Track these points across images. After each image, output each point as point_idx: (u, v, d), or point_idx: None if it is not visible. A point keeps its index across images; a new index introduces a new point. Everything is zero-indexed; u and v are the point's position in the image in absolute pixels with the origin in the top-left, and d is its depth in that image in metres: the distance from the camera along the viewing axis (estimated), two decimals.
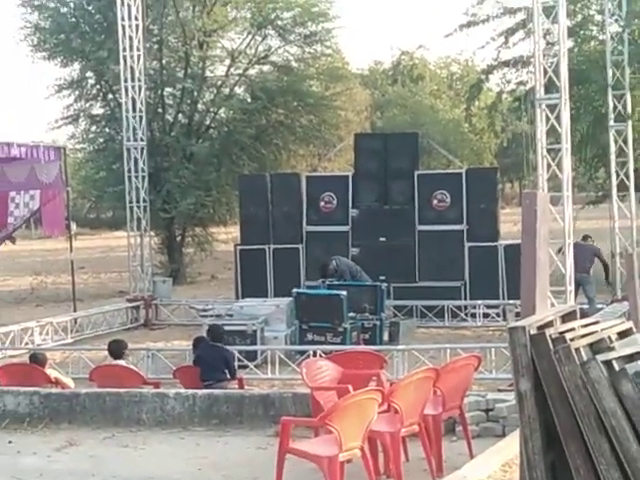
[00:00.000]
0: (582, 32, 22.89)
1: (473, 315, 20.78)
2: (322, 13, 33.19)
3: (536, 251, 6.71)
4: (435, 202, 22.20)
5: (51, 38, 31.80)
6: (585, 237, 19.37)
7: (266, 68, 34.09)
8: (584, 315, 6.85)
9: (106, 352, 14.16)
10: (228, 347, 14.34)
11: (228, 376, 13.32)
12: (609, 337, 6.24)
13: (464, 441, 9.75)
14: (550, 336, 5.94)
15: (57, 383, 12.88)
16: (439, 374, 9.71)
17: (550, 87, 15.96)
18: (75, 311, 21.84)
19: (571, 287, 15.65)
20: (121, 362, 13.49)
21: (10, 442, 10.99)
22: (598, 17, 22.58)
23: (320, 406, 9.50)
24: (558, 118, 15.83)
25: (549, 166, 15.89)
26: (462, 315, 20.90)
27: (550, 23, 16.27)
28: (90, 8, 30.69)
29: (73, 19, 31.72)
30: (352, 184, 23.03)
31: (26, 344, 18.45)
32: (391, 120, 44.57)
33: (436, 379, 9.55)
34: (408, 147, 23.93)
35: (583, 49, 22.37)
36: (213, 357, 13.39)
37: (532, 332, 5.96)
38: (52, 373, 13.26)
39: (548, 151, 15.90)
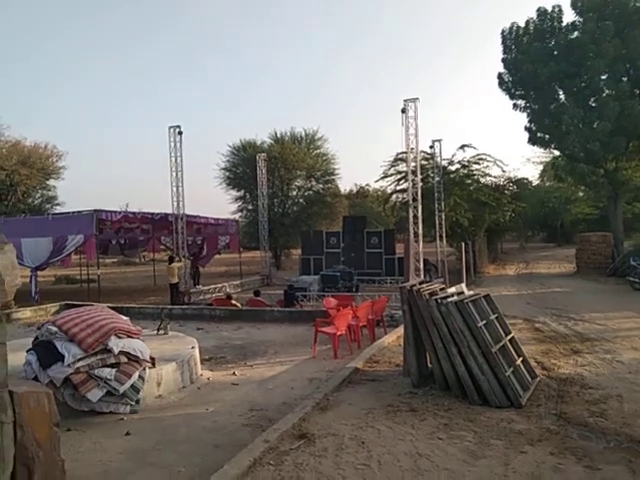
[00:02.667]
0: (426, 179, 22.84)
1: (386, 282, 20.52)
2: (331, 172, 33.34)
3: (409, 258, 6.71)
4: (372, 241, 22.19)
5: (233, 181, 32.04)
6: (425, 261, 19.35)
7: (310, 192, 33.96)
8: (427, 283, 6.83)
9: (252, 294, 14.17)
10: (296, 293, 14.31)
11: (296, 303, 13.31)
12: (436, 290, 6.24)
13: (382, 329, 9.71)
14: (414, 290, 5.95)
15: (235, 305, 12.94)
16: (374, 303, 9.70)
17: (414, 199, 15.96)
18: (241, 279, 21.81)
19: (422, 273, 15.57)
20: (259, 298, 13.53)
21: (217, 327, 11.03)
22: (431, 174, 22.58)
23: (330, 315, 9.48)
24: (417, 211, 15.80)
25: (414, 228, 15.86)
26: (382, 282, 20.52)
27: (414, 177, 16.32)
28: (247, 170, 30.56)
29: (241, 174, 31.74)
30: (342, 235, 22.92)
31: (223, 291, 18.42)
32: (356, 211, 44.09)
33: (372, 305, 9.54)
34: (362, 221, 23.80)
35: (427, 185, 22.31)
36: (289, 296, 13.40)
37: (408, 288, 5.97)
38: (233, 302, 13.31)
39: (413, 223, 15.86)
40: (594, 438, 4.34)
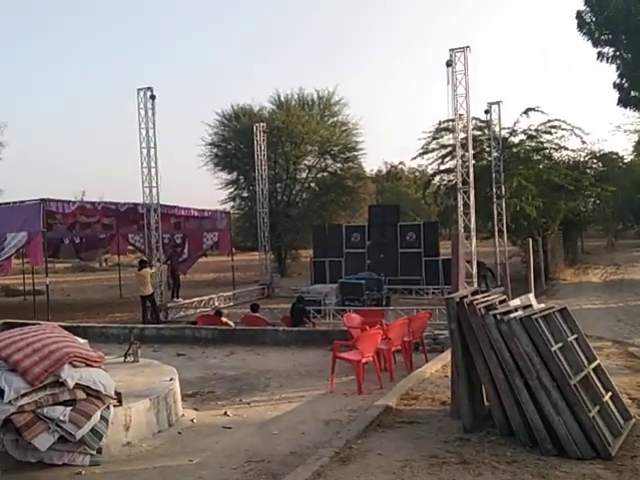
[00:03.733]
0: (480, 156, 22.76)
1: (427, 293, 20.58)
2: (353, 147, 33.38)
3: (458, 260, 6.68)
4: (407, 238, 22.28)
5: (223, 160, 32.42)
6: (479, 263, 19.32)
7: (325, 174, 34.18)
8: (483, 293, 6.79)
9: (249, 309, 14.26)
10: (306, 307, 14.38)
11: (307, 321, 13.37)
12: (495, 303, 6.21)
13: (422, 354, 9.72)
14: (466, 302, 5.92)
15: (226, 324, 13.05)
16: (410, 320, 9.74)
17: (464, 182, 15.95)
18: (234, 289, 22.00)
19: (476, 280, 15.59)
20: (256, 314, 13.61)
21: (203, 352, 11.19)
22: (487, 149, 22.48)
23: (352, 336, 9.50)
24: (468, 197, 15.81)
25: (464, 221, 15.87)
26: (421, 292, 20.68)
27: (464, 152, 16.27)
28: (242, 146, 30.90)
29: (233, 151, 32.15)
30: (367, 229, 23.06)
31: (211, 305, 18.59)
32: (386, 199, 44.51)
33: (409, 323, 9.57)
34: (395, 212, 23.95)
35: (480, 164, 22.20)
36: (298, 312, 13.45)
37: (457, 300, 5.95)
38: (224, 319, 13.42)
39: (463, 213, 15.88)
40: None
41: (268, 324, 13.00)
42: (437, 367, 8.52)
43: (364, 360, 8.15)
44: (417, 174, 50.89)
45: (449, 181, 24.80)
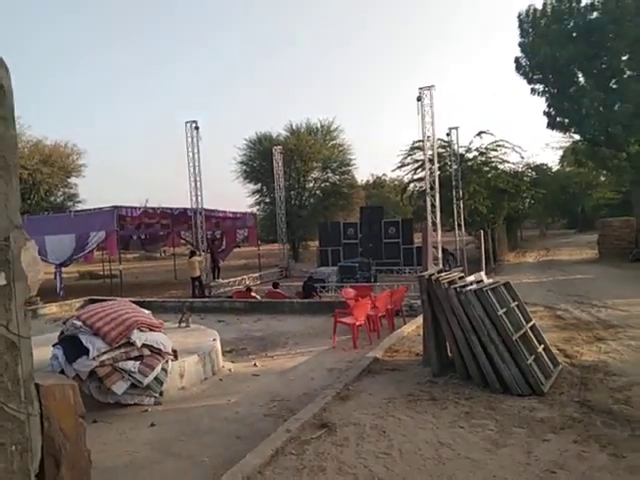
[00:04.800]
0: (443, 168, 22.62)
1: (404, 272, 20.49)
2: (347, 163, 33.25)
3: (428, 247, 6.64)
4: (389, 231, 22.10)
5: (250, 174, 32.13)
6: (444, 250, 19.11)
7: (327, 184, 33.90)
8: (446, 272, 6.76)
9: (271, 286, 14.24)
10: (315, 284, 14.34)
11: (315, 294, 13.34)
12: (455, 279, 6.17)
13: (402, 319, 9.67)
14: (433, 279, 5.88)
15: (254, 297, 13.03)
16: (392, 293, 9.67)
17: (432, 188, 15.85)
18: (260, 272, 21.98)
19: (440, 262, 15.49)
20: (277, 290, 13.59)
21: (238, 319, 11.14)
22: (449, 162, 22.36)
23: (349, 305, 9.48)
24: (435, 199, 15.70)
25: (432, 217, 15.77)
26: (400, 272, 20.56)
27: (431, 165, 16.18)
28: (264, 163, 30.58)
29: (258, 168, 31.84)
30: (359, 225, 22.91)
31: (243, 283, 18.58)
32: (373, 202, 43.98)
33: (391, 295, 9.51)
34: (380, 211, 23.72)
35: (445, 173, 22.06)
36: (308, 288, 13.42)
37: (426, 277, 5.91)
38: (253, 294, 13.39)
39: (432, 212, 15.78)
40: (618, 426, 4.24)
41: (286, 297, 13.03)
42: (412, 328, 8.51)
43: (358, 323, 8.14)
44: (397, 182, 50.37)
45: (420, 187, 24.66)
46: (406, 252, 21.53)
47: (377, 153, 78.92)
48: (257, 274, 21.08)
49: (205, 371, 6.35)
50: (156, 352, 5.61)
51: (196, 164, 17.00)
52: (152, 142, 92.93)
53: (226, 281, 18.88)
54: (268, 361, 7.30)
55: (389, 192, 50.09)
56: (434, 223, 15.73)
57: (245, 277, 19.60)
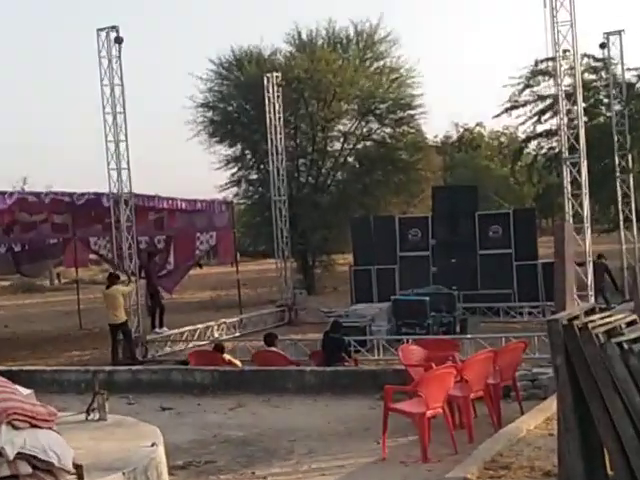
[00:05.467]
0: (594, 110, 22.55)
1: (521, 313, 20.50)
2: (407, 104, 33.16)
3: (565, 264, 6.58)
4: (490, 233, 22.18)
5: (221, 128, 32.47)
6: (600, 255, 18.94)
7: (368, 144, 34.16)
8: (602, 312, 6.68)
9: (262, 342, 14.30)
10: (346, 337, 14.36)
11: (346, 357, 13.34)
12: (620, 326, 6.10)
13: (516, 403, 9.68)
14: (577, 325, 5.83)
15: (230, 363, 13.12)
16: (497, 354, 9.69)
17: (572, 150, 15.82)
18: (241, 314, 22.12)
19: (592, 292, 15.42)
20: (273, 348, 13.64)
21: (199, 404, 11.33)
22: (606, 100, 22.25)
23: (412, 378, 9.49)
24: (579, 171, 15.67)
25: (573, 206, 15.72)
26: (512, 313, 20.60)
27: (571, 105, 16.13)
28: (247, 106, 31.13)
29: (236, 114, 32.40)
30: (431, 223, 23.06)
31: (208, 337, 18.75)
32: (458, 177, 44.20)
33: (495, 358, 9.51)
34: (470, 195, 23.84)
35: (595, 123, 21.96)
36: (333, 345, 13.42)
37: (564, 323, 5.86)
38: (226, 357, 13.50)
39: (572, 195, 15.74)
40: None
41: (290, 363, 13.04)
42: (537, 421, 8.47)
43: (430, 413, 8.13)
44: (502, 140, 50.48)
45: (550, 149, 24.57)
46: (524, 274, 21.46)
47: (464, 84, 78.89)
48: (236, 318, 21.18)
49: None
50: (43, 468, 5.65)
51: (117, 109, 17.22)
52: (37, 75, 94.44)
53: (176, 331, 18.98)
54: None
55: (489, 158, 49.93)
56: (578, 217, 15.62)
57: (212, 324, 19.74)
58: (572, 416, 5.83)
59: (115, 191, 17.48)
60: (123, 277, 17.22)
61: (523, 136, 26.88)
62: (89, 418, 8.10)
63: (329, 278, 33.36)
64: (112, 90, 17.16)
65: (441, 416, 8.38)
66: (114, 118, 17.23)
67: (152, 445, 7.07)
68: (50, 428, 6.01)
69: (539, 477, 6.67)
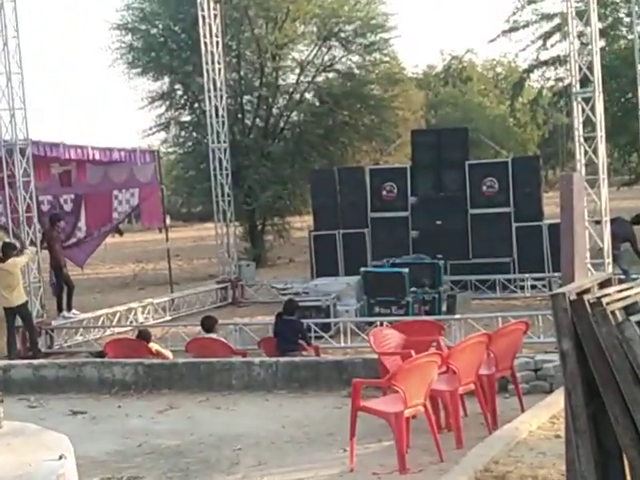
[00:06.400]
0: (612, 32, 22.66)
1: (522, 287, 20.71)
2: (380, 25, 33.09)
3: (573, 225, 6.63)
4: (484, 188, 22.21)
5: (143, 56, 32.16)
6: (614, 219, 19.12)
7: (331, 75, 34.08)
8: (620, 283, 6.77)
9: (199, 327, 14.31)
10: (304, 320, 14.42)
11: (305, 344, 13.40)
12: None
13: (516, 398, 9.81)
14: (588, 300, 5.88)
15: (158, 355, 13.11)
16: (492, 338, 9.74)
17: (585, 82, 15.88)
18: (172, 293, 22.12)
19: (608, 259, 15.53)
20: (213, 335, 13.65)
21: (119, 406, 11.32)
22: (627, 19, 22.34)
23: (386, 369, 9.54)
24: (593, 109, 15.71)
25: (586, 153, 15.80)
26: (512, 287, 20.83)
27: (583, 26, 16.16)
28: (176, 28, 30.94)
29: (162, 39, 32.08)
30: (410, 175, 23.07)
31: (130, 322, 18.72)
32: (444, 117, 44.34)
33: (489, 343, 9.58)
34: (459, 140, 23.85)
35: (614, 47, 22.08)
36: (287, 329, 13.47)
37: (572, 297, 5.91)
38: (154, 346, 13.47)
39: (585, 139, 15.81)
40: None
41: (234, 353, 13.06)
42: (541, 420, 8.56)
43: (409, 412, 8.18)
44: (499, 70, 50.63)
45: (557, 81, 24.71)
46: (525, 238, 21.64)
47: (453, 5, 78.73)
48: (166, 298, 21.23)
49: None
50: None
51: (7, 32, 16.91)
52: None
53: (90, 315, 18.90)
54: None
55: (482, 94, 49.88)
56: (592, 166, 15.72)
57: (135, 306, 19.72)
58: (583, 414, 5.91)
59: (7, 138, 17.20)
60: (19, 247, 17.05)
61: (524, 65, 27.05)
62: None
63: (283, 246, 33.45)
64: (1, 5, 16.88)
65: (423, 416, 8.42)
66: (4, 43, 16.92)
67: (60, 458, 7.05)
68: None
69: None
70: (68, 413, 10.91)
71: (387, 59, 34.25)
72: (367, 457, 8.28)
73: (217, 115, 23.41)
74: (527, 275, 20.92)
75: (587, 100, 15.79)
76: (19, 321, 16.52)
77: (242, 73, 31.58)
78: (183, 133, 33.79)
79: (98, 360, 13.20)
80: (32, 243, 17.39)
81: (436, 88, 50.77)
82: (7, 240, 17.94)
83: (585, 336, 5.85)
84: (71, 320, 18.62)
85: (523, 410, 9.25)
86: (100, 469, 8.38)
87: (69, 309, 19.54)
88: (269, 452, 8.84)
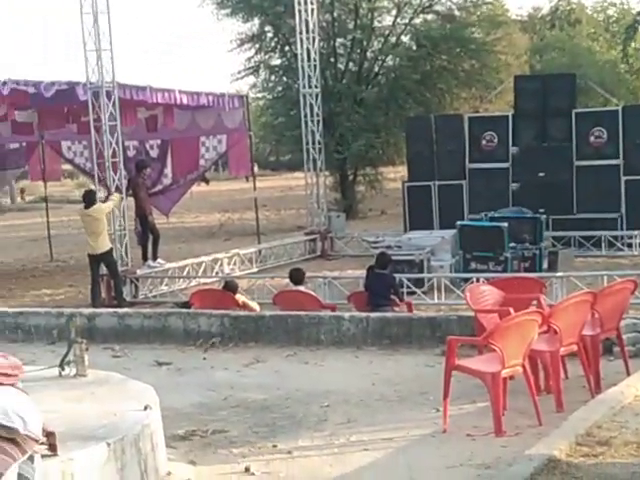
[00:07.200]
0: None
1: (629, 245, 20.48)
2: None
3: None
4: (592, 139, 21.92)
5: None
6: None
7: (430, 17, 33.83)
8: None
9: (287, 280, 14.39)
10: (396, 274, 14.41)
11: (397, 300, 13.39)
12: None
13: (621, 360, 9.60)
14: None
15: (245, 307, 13.22)
16: (597, 297, 9.55)
17: None
18: (259, 244, 22.32)
19: None
20: (301, 288, 13.72)
21: (204, 359, 11.43)
22: None
23: (483, 327, 9.45)
24: None
25: None
26: (619, 245, 20.59)
27: None
28: None
29: None
30: (512, 123, 22.88)
31: (216, 273, 18.97)
32: (549, 63, 43.55)
33: (594, 302, 9.40)
34: (566, 87, 23.49)
35: None
36: (380, 284, 13.46)
37: None
38: (240, 298, 13.58)
39: None
40: None
41: (323, 307, 13.13)
42: None
43: (507, 372, 8.13)
44: (610, 12, 49.44)
45: None
46: (636, 193, 21.25)
47: None
48: (252, 249, 21.43)
49: None
50: (4, 436, 5.76)
51: None
52: None
53: (175, 265, 19.22)
54: (281, 462, 7.43)
55: (592, 38, 48.89)
56: None
57: (221, 257, 19.95)
58: None
59: (94, 80, 17.42)
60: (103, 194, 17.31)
61: (639, 7, 26.38)
62: (63, 373, 8.23)
63: (375, 198, 33.40)
64: None
65: (521, 377, 8.36)
66: None
67: (145, 409, 7.17)
68: (13, 385, 6.11)
69: None
70: (153, 364, 11.08)
71: (489, 0, 33.75)
72: (461, 418, 8.24)
73: (309, 59, 23.37)
74: (636, 232, 20.65)
75: None
76: (104, 269, 16.87)
77: (335, 14, 31.46)
78: (273, 77, 33.87)
79: (183, 311, 13.37)
80: (117, 190, 17.65)
81: (542, 31, 49.93)
82: (92, 187, 18.25)
83: None
84: (156, 269, 18.93)
85: (629, 373, 9.07)
86: (185, 421, 8.51)
87: (154, 258, 19.86)
88: (358, 410, 8.84)
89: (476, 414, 8.34)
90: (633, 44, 25.89)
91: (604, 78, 38.02)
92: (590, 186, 21.59)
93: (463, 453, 7.35)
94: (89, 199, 17.11)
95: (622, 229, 21.04)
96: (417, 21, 33.57)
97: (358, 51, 32.66)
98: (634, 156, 21.48)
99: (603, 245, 20.59)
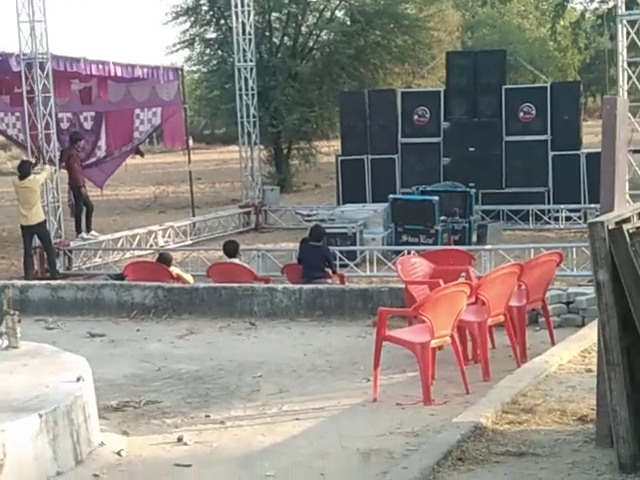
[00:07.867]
0: None
1: (556, 219, 20.68)
2: None
3: (615, 151, 6.55)
4: (521, 114, 22.09)
5: None
6: None
7: None
8: None
9: (221, 252, 14.35)
10: (329, 247, 14.43)
11: (330, 272, 13.42)
12: None
13: (546, 331, 9.77)
14: (627, 230, 5.83)
15: (179, 279, 13.17)
16: (523, 269, 9.68)
17: (630, 4, 15.62)
18: (194, 216, 22.19)
19: None
20: (235, 260, 13.69)
21: (138, 330, 11.41)
22: None
23: (413, 298, 9.53)
24: (638, 33, 15.47)
25: (629, 79, 15.61)
26: (545, 218, 20.80)
27: None
28: None
29: None
30: (444, 99, 22.99)
31: (150, 246, 18.87)
32: (480, 39, 43.85)
33: (520, 274, 9.52)
34: (496, 64, 23.62)
35: None
36: (314, 256, 13.48)
37: (610, 227, 5.86)
38: (174, 270, 13.52)
39: (629, 64, 15.64)
40: None
41: (257, 279, 13.10)
42: (572, 354, 8.55)
43: (436, 342, 8.20)
44: None
45: (602, 2, 24.31)
46: (562, 168, 21.52)
47: None
48: (187, 222, 21.34)
49: (57, 456, 6.45)
50: None
51: None
52: None
53: (109, 237, 19.06)
54: (213, 432, 7.44)
55: (522, 15, 49.24)
56: (636, 95, 15.53)
57: (156, 229, 19.87)
58: (617, 347, 5.89)
59: (27, 51, 17.16)
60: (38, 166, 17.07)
61: None
62: None
63: (309, 171, 33.36)
64: None
65: (449, 347, 8.46)
66: None
67: (77, 380, 7.11)
68: None
69: (572, 423, 6.73)
70: (86, 335, 11.01)
71: None
72: (391, 387, 8.31)
73: (244, 32, 23.24)
74: (562, 206, 20.89)
75: (633, 23, 15.53)
76: (37, 242, 16.67)
77: None
78: (208, 51, 33.60)
79: (117, 283, 13.29)
80: (51, 162, 17.43)
81: (473, 8, 50.07)
82: (25, 158, 17.99)
83: (623, 267, 5.81)
84: (90, 242, 18.77)
85: (554, 343, 9.22)
86: (118, 392, 8.47)
87: (88, 230, 19.69)
88: (290, 380, 8.88)
89: (405, 383, 8.41)
90: (561, 22, 26.06)
91: (533, 55, 38.37)
92: (519, 161, 21.83)
93: (393, 421, 7.42)
94: (24, 170, 16.85)
95: (549, 203, 21.29)
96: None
97: (293, 25, 32.51)
98: (561, 132, 21.74)
99: (531, 219, 20.80)
